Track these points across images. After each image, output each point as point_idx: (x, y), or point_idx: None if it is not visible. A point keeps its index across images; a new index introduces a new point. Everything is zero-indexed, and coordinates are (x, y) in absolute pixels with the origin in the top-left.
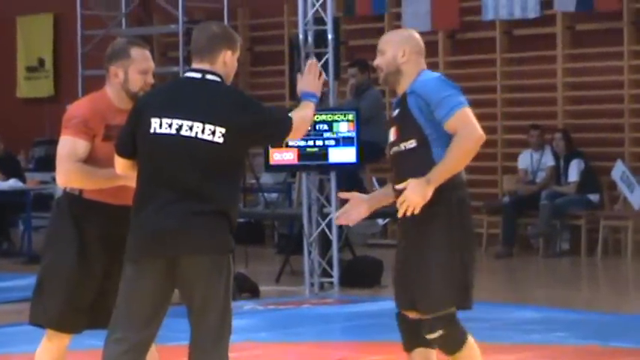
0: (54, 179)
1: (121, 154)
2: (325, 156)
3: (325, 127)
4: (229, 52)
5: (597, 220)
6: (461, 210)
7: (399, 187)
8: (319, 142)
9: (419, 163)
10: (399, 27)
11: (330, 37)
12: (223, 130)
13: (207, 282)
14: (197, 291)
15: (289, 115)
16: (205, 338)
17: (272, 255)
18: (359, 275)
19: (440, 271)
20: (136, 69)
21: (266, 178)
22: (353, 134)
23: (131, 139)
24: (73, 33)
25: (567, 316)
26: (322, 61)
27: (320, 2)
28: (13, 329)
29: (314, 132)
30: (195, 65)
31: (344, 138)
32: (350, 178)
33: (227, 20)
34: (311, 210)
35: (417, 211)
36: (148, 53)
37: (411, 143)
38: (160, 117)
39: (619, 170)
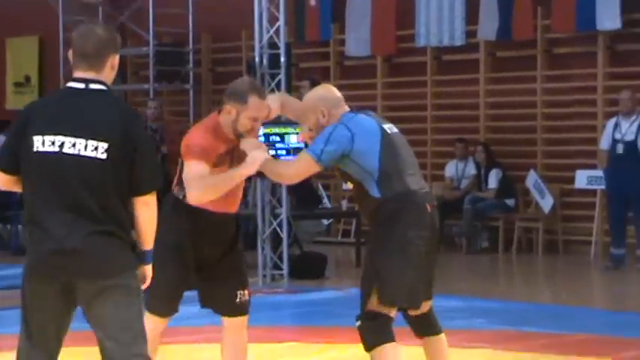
0: None
1: (4, 170)
2: None
3: (277, 138)
4: (116, 56)
5: (513, 221)
6: (392, 221)
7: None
8: (272, 152)
9: (360, 199)
10: (342, 52)
11: (282, 59)
12: (106, 145)
13: (113, 305)
14: (103, 316)
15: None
16: None
17: None
18: (306, 268)
19: (367, 274)
20: (248, 115)
21: None
22: (302, 145)
23: (14, 155)
24: (56, 54)
25: (486, 305)
26: (275, 81)
27: (274, 29)
28: (3, 313)
29: (268, 142)
30: (79, 74)
31: (294, 148)
32: (301, 183)
33: (192, 44)
34: (264, 211)
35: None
36: (264, 103)
37: (349, 185)
38: (43, 134)
39: (532, 179)
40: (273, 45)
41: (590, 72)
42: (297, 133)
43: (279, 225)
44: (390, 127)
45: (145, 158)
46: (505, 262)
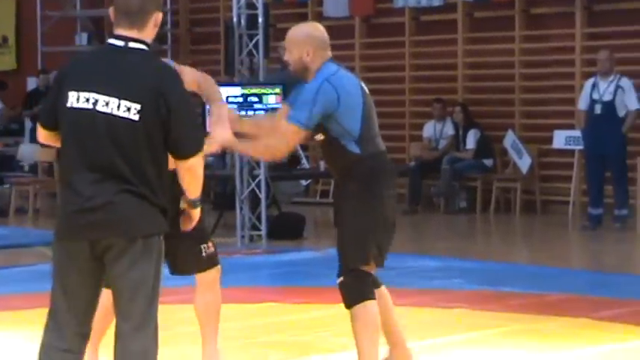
0: (16, 143)
1: (43, 126)
2: None
3: (256, 99)
4: (160, 14)
5: (491, 182)
6: (370, 178)
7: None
8: (250, 112)
9: (333, 152)
10: (320, 13)
11: (260, 20)
12: (138, 107)
13: (134, 266)
14: (123, 276)
15: (203, 131)
16: (129, 325)
17: (208, 210)
18: (284, 229)
19: (346, 232)
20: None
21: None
22: (280, 105)
23: (53, 110)
24: (33, 13)
25: (464, 264)
26: (253, 42)
27: None
28: None
29: (246, 103)
30: (121, 31)
31: (272, 109)
32: None
33: (169, 4)
34: (242, 172)
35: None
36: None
37: (320, 136)
38: (78, 90)
39: (510, 139)
40: (251, 5)
41: (568, 32)
42: (276, 94)
43: (258, 186)
44: (365, 87)
45: (182, 122)
46: (483, 222)
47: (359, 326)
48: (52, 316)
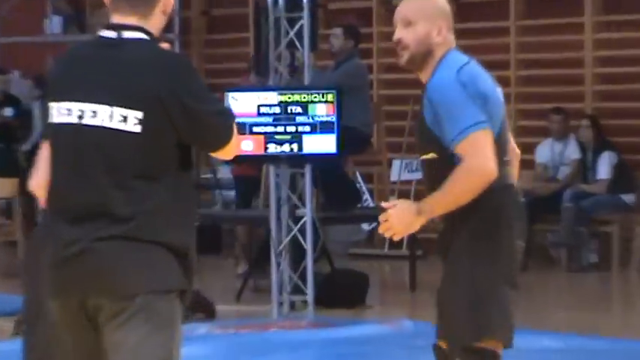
0: None
1: (46, 139)
2: (299, 145)
3: (299, 109)
4: None
5: (632, 226)
6: (496, 219)
7: (384, 204)
8: (291, 128)
9: (443, 178)
10: None
11: None
12: (140, 115)
13: (128, 333)
14: (116, 347)
15: (232, 114)
16: None
17: (231, 267)
18: (339, 292)
19: (458, 295)
20: None
21: (225, 172)
22: (333, 119)
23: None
24: None
25: (595, 344)
26: (296, 29)
27: None
28: None
29: (285, 115)
30: (118, 18)
31: (322, 123)
32: (330, 172)
33: None
34: (280, 212)
35: (396, 239)
36: None
37: (431, 155)
38: (58, 100)
39: None
40: None
41: None
42: (327, 102)
43: (302, 231)
44: (500, 91)
45: (207, 119)
46: (621, 284)
47: None
48: None
